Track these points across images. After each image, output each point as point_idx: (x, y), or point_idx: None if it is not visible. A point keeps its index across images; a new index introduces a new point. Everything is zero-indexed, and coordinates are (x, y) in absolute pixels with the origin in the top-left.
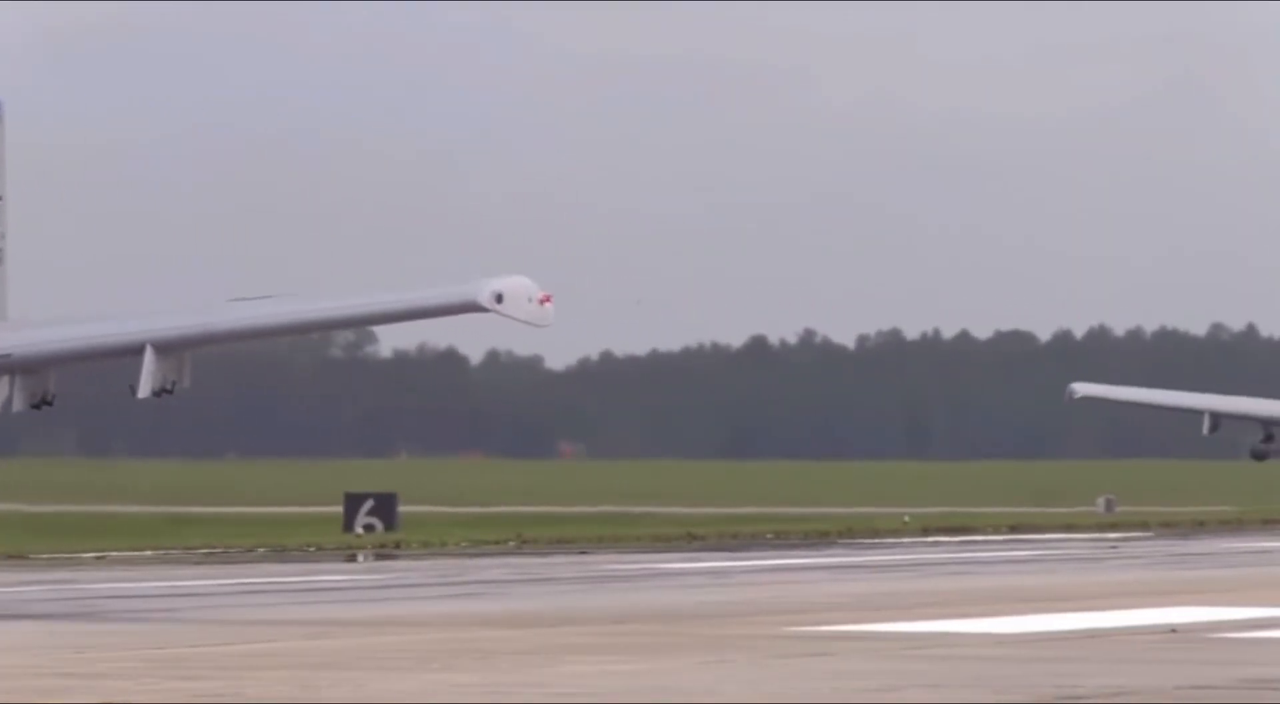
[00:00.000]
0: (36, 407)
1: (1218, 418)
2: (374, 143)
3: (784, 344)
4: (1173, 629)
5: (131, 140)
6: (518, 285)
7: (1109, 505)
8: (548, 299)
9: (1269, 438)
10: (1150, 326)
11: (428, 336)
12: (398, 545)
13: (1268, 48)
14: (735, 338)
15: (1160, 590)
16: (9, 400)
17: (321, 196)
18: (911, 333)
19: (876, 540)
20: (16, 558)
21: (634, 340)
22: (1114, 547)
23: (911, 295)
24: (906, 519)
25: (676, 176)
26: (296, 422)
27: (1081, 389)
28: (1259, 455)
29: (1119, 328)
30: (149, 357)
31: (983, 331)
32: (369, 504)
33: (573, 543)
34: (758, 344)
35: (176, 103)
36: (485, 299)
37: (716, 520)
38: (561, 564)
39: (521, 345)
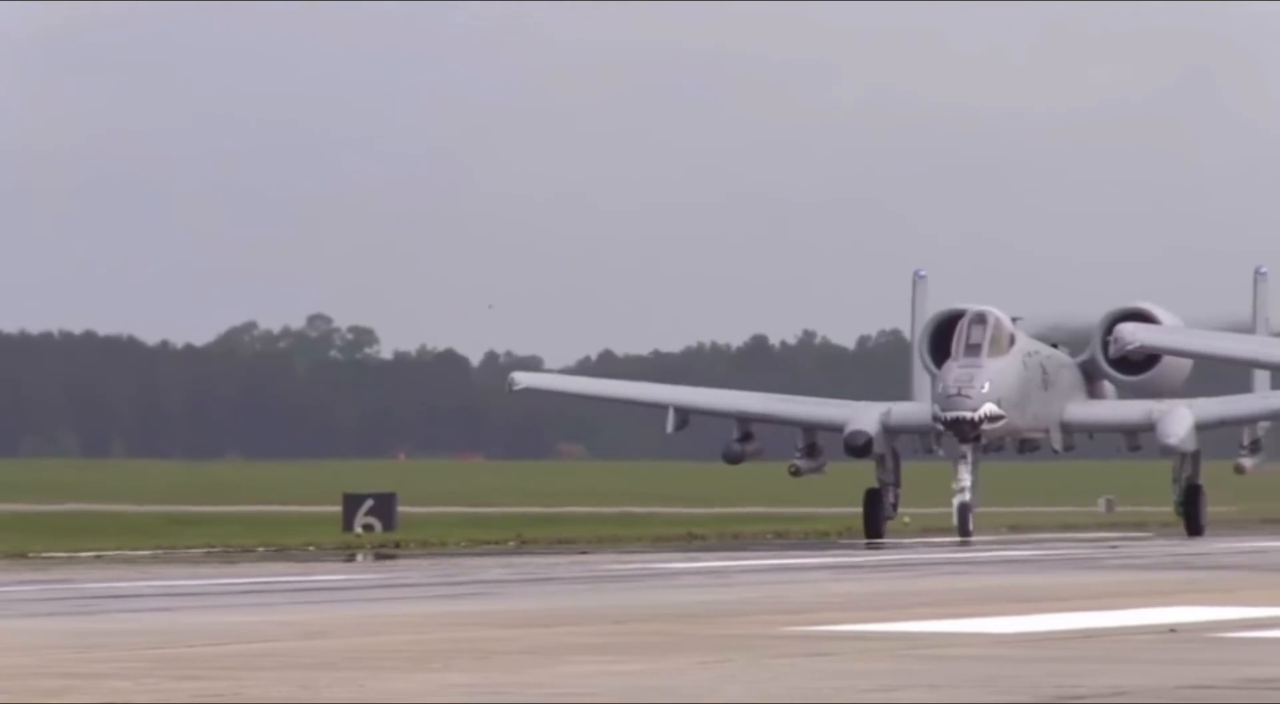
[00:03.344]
0: None
1: (684, 413)
2: (374, 142)
3: (784, 344)
4: (1173, 629)
5: (129, 139)
6: None
7: (1109, 505)
8: None
9: (746, 436)
10: None
11: (427, 338)
12: (397, 545)
13: (1274, 47)
14: (735, 338)
15: (1160, 590)
16: None
17: (322, 195)
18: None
19: (876, 540)
20: (16, 558)
21: (634, 340)
22: (1114, 547)
23: (911, 295)
24: (906, 519)
25: (676, 177)
26: (296, 422)
27: (523, 379)
28: (733, 457)
29: None
30: None
31: None
32: (368, 504)
33: (573, 543)
34: (758, 344)
35: (175, 102)
36: None
37: (716, 520)
38: (561, 564)
39: (521, 346)
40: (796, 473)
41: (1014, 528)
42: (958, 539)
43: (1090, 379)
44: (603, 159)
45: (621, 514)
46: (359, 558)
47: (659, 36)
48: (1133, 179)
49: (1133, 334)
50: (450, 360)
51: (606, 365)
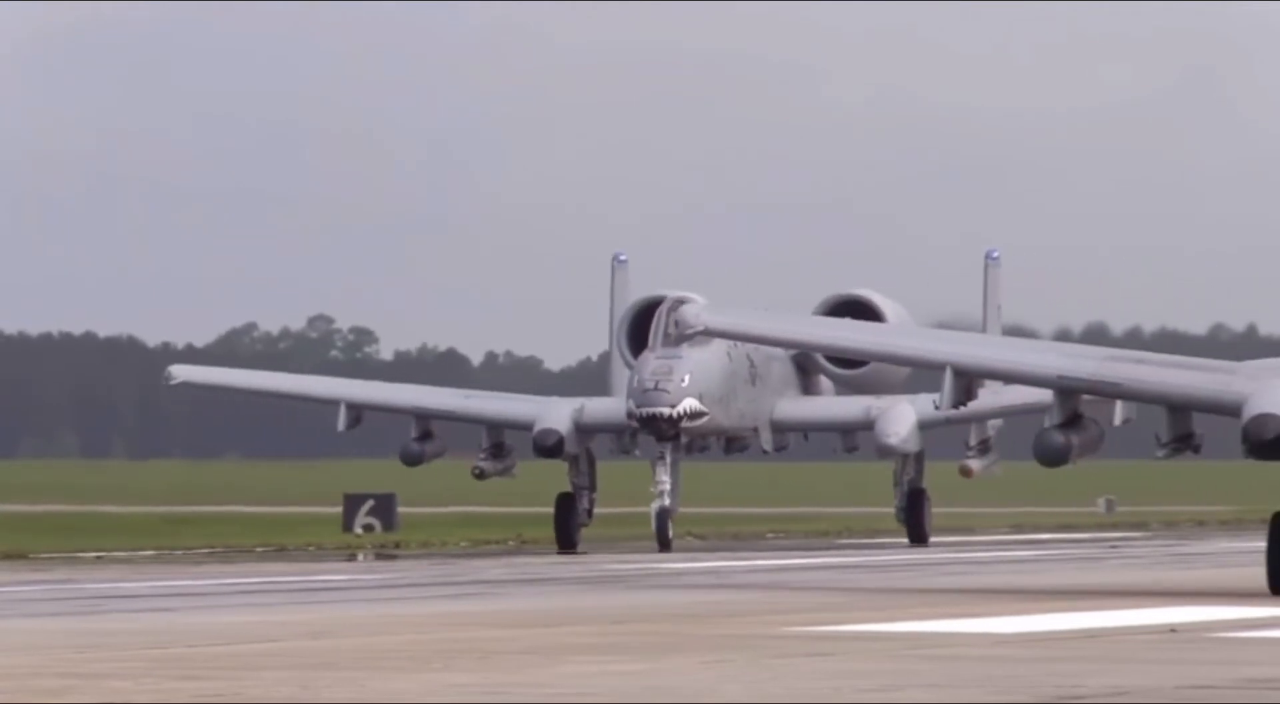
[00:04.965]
0: None
1: (358, 409)
2: (374, 142)
3: None
4: (1173, 629)
5: (129, 139)
6: None
7: (1109, 505)
8: None
9: (425, 435)
10: (1149, 326)
11: (427, 338)
12: (397, 545)
13: (1275, 47)
14: None
15: (1160, 590)
16: None
17: (322, 195)
18: None
19: (876, 540)
20: (17, 558)
21: None
22: (1114, 547)
23: (911, 295)
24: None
25: (676, 177)
26: (296, 422)
27: (180, 372)
28: (410, 458)
29: (1117, 327)
30: None
31: None
32: (368, 504)
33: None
34: None
35: (175, 102)
36: None
37: (716, 520)
38: (561, 564)
39: (521, 346)
40: (481, 475)
41: (1015, 528)
42: (657, 550)
43: (805, 373)
44: (602, 160)
45: (620, 514)
46: (359, 558)
47: (659, 36)
48: (1133, 179)
49: (696, 317)
50: (450, 360)
51: (606, 366)
